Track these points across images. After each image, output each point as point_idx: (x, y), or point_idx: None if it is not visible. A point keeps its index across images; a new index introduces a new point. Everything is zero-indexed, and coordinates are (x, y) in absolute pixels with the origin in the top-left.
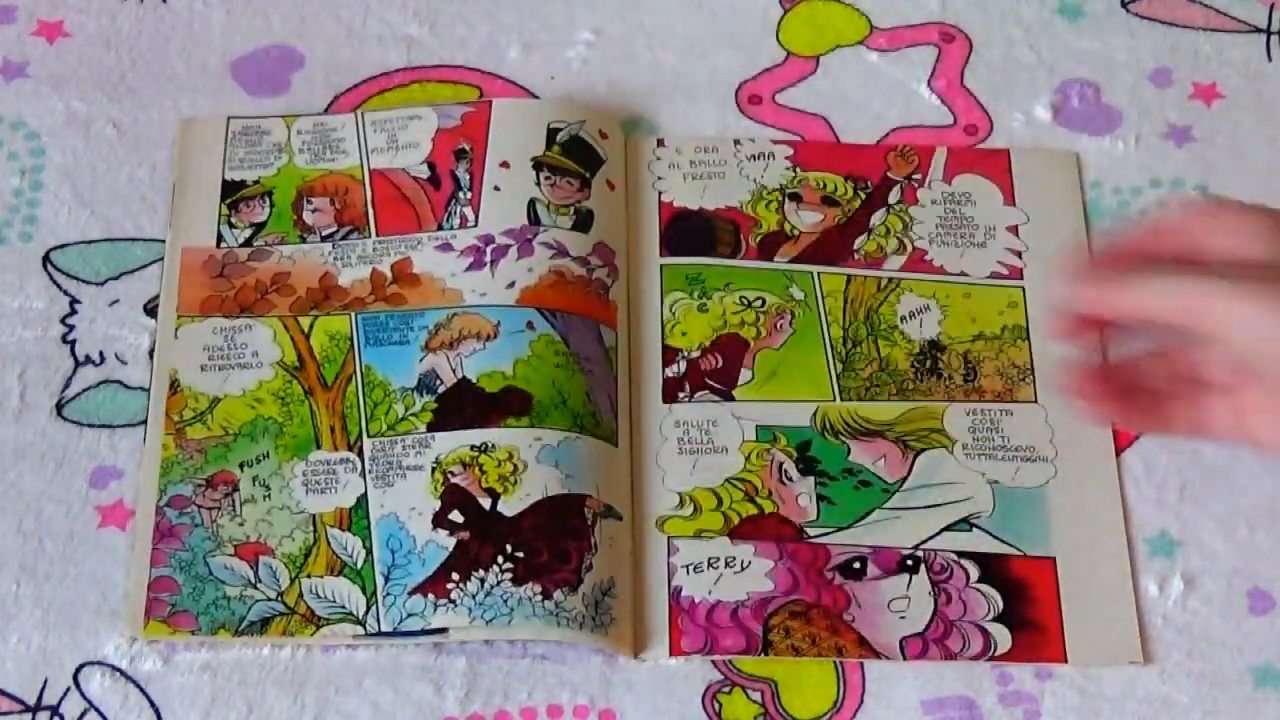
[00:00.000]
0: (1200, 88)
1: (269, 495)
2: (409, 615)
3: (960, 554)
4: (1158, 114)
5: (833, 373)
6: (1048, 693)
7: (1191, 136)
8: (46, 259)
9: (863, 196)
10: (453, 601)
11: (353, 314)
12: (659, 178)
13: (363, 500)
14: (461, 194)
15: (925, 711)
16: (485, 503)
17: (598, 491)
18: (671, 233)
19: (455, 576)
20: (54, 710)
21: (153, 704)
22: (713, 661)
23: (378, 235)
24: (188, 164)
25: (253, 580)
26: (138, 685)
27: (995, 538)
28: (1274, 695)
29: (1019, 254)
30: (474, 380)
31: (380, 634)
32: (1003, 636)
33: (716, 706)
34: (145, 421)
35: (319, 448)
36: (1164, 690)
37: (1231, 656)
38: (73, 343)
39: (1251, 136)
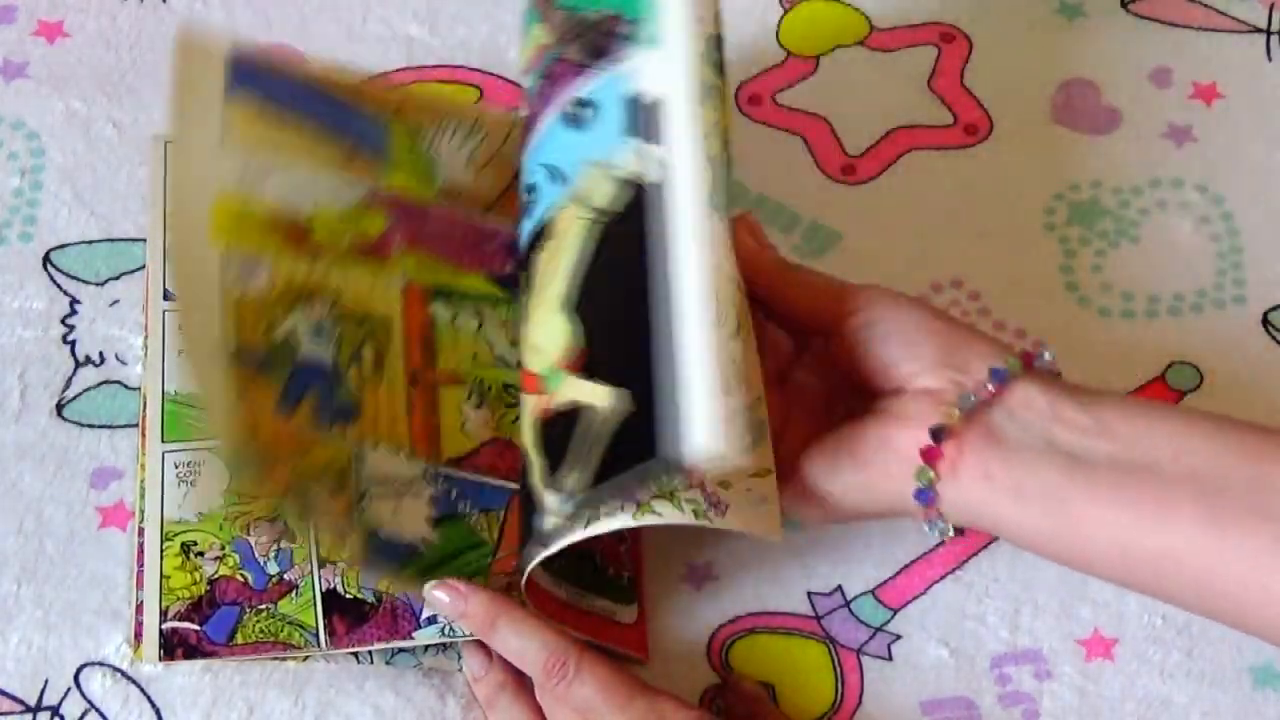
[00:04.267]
0: (1200, 88)
1: None
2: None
3: None
4: (1158, 114)
5: None
6: (1046, 693)
7: (1191, 136)
8: (46, 259)
9: None
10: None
11: None
12: None
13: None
14: None
15: (924, 712)
16: None
17: None
18: None
19: None
20: (54, 711)
21: (154, 705)
22: (711, 665)
23: None
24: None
25: None
26: (139, 686)
27: None
28: (1274, 695)
29: None
30: None
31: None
32: None
33: (716, 709)
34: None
35: None
36: (1164, 690)
37: (1231, 656)
38: (73, 343)
39: (1251, 136)
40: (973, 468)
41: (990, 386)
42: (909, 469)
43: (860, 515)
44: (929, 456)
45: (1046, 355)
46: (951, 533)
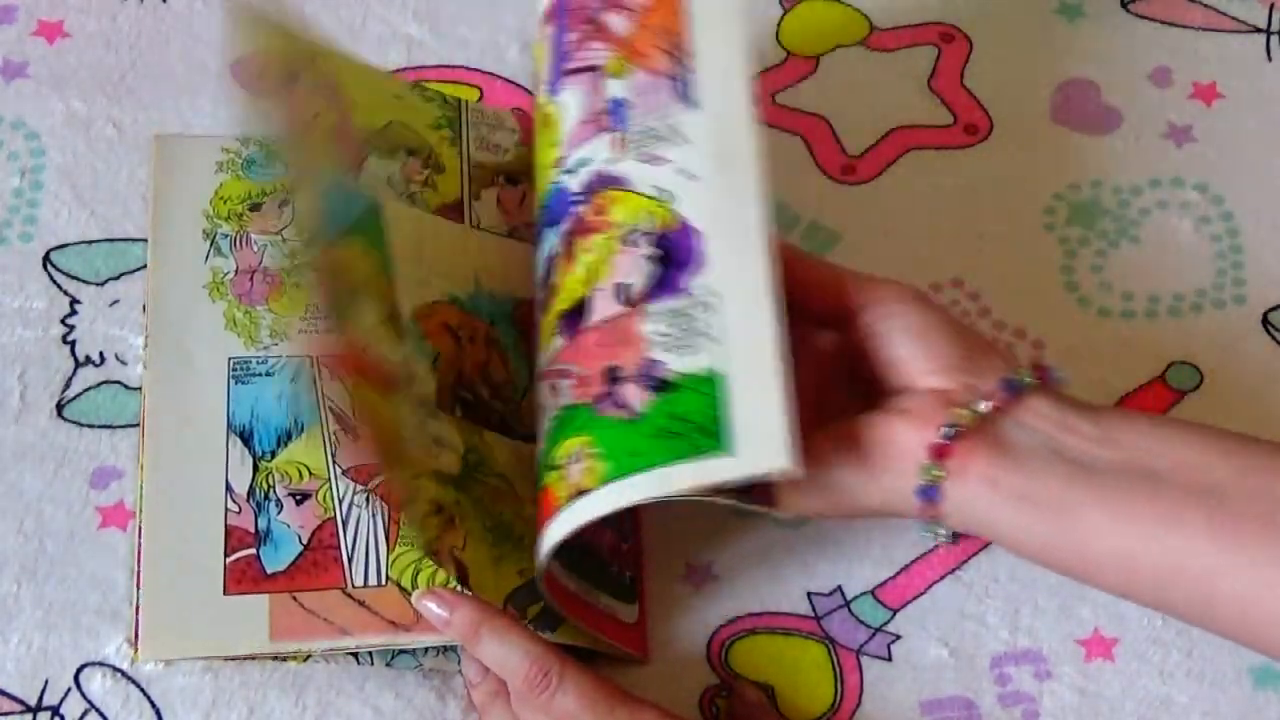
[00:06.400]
0: (1200, 88)
1: None
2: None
3: None
4: (1158, 114)
5: None
6: (1046, 693)
7: (1191, 136)
8: (46, 259)
9: None
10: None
11: None
12: None
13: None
14: None
15: (924, 712)
16: None
17: None
18: None
19: None
20: (55, 711)
21: (154, 705)
22: (711, 665)
23: None
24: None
25: None
26: (139, 686)
27: None
28: (1274, 695)
29: None
30: None
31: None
32: None
33: (715, 710)
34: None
35: None
36: (1164, 690)
37: (1231, 656)
38: (73, 343)
39: (1251, 136)
40: (979, 472)
41: (1003, 395)
42: (913, 465)
43: (857, 510)
44: (938, 454)
45: (1057, 374)
46: (948, 537)
